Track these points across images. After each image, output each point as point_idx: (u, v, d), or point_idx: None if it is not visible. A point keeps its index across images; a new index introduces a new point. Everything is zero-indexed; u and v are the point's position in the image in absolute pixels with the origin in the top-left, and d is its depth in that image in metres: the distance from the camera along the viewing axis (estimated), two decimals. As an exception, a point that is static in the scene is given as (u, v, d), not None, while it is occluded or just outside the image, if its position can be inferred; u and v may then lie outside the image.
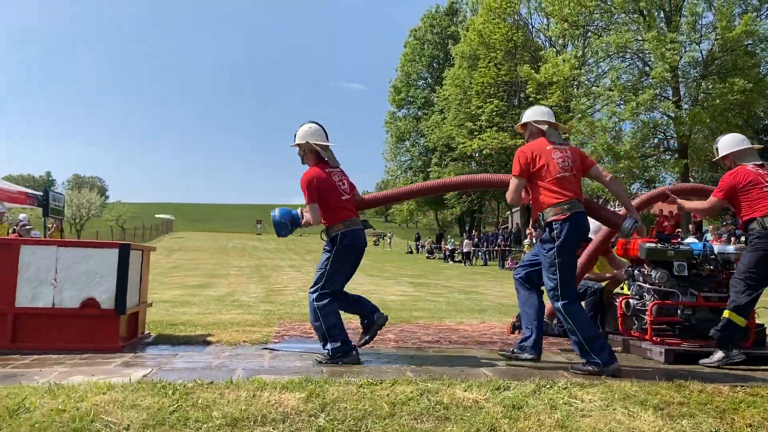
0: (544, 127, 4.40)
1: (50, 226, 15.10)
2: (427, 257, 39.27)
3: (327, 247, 4.51)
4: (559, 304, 4.13)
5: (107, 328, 4.61)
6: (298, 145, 4.64)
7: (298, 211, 4.70)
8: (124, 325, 4.79)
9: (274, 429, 2.90)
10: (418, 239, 49.26)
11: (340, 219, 4.46)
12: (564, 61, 27.39)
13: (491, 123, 35.00)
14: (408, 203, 51.45)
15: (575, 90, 29.81)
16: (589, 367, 4.04)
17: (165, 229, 61.38)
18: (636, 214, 4.47)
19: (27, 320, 4.52)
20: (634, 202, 5.30)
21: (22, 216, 15.11)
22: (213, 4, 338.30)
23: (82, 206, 59.31)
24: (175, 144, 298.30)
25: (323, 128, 4.67)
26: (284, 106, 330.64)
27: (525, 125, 4.56)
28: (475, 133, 35.38)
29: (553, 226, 4.11)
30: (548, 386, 3.58)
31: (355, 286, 14.06)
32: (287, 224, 4.59)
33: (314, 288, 4.44)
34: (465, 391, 3.44)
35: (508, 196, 4.38)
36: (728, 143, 4.88)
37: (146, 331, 5.55)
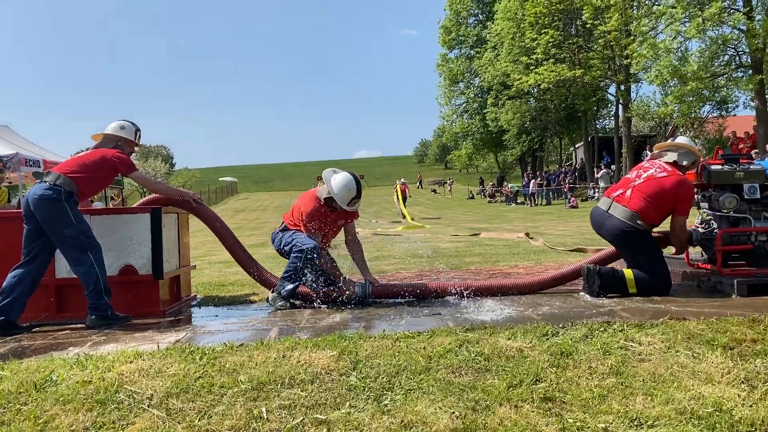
0: None
1: (114, 195, 15.46)
2: (489, 201, 38.61)
3: None
4: None
5: (147, 293, 4.57)
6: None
7: None
8: (165, 289, 4.75)
9: (302, 391, 2.73)
10: (481, 183, 48.23)
11: None
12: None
13: (548, 55, 33.46)
14: (466, 147, 50.43)
15: (635, 11, 27.98)
16: None
17: (230, 191, 62.71)
18: None
19: (70, 290, 4.52)
20: None
21: None
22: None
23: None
24: (234, 108, 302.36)
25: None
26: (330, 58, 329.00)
27: None
28: (531, 67, 33.95)
29: None
30: (602, 329, 3.27)
31: (410, 234, 13.85)
32: None
33: None
34: (509, 339, 3.18)
35: None
36: None
37: (193, 293, 5.53)
